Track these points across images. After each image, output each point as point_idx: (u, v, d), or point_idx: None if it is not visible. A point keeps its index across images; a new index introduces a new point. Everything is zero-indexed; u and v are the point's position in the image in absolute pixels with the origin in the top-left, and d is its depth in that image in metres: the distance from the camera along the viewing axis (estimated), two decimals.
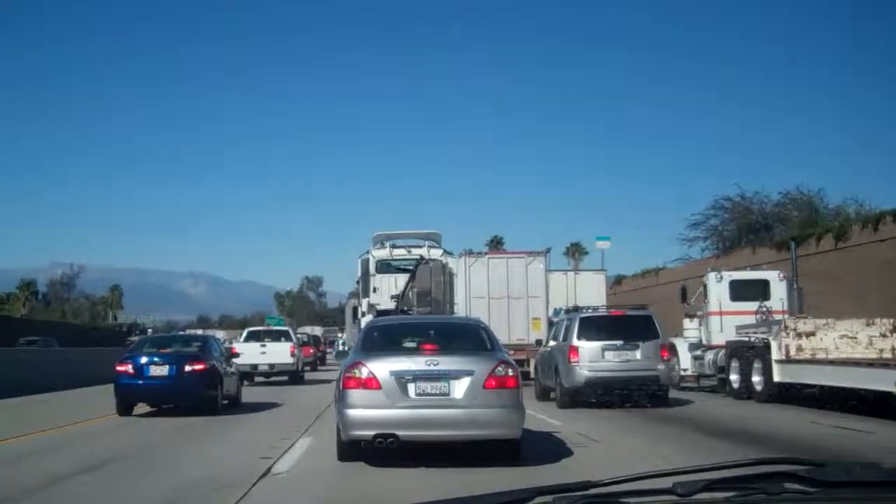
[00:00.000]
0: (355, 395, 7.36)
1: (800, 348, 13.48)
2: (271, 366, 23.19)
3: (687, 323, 18.42)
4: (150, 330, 50.48)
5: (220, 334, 52.33)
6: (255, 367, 22.82)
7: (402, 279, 21.29)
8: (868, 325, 13.61)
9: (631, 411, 13.39)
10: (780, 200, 29.42)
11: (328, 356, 37.27)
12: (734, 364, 15.57)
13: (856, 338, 13.41)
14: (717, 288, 17.19)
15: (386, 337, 8.41)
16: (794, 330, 13.64)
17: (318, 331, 53.47)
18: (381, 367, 7.38)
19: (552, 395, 14.73)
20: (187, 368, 13.40)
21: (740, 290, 17.11)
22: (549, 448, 8.82)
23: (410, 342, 8.22)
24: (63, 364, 22.47)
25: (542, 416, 11.84)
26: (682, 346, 18.47)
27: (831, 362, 12.78)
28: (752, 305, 16.58)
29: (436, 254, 21.90)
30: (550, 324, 18.00)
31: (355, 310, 22.98)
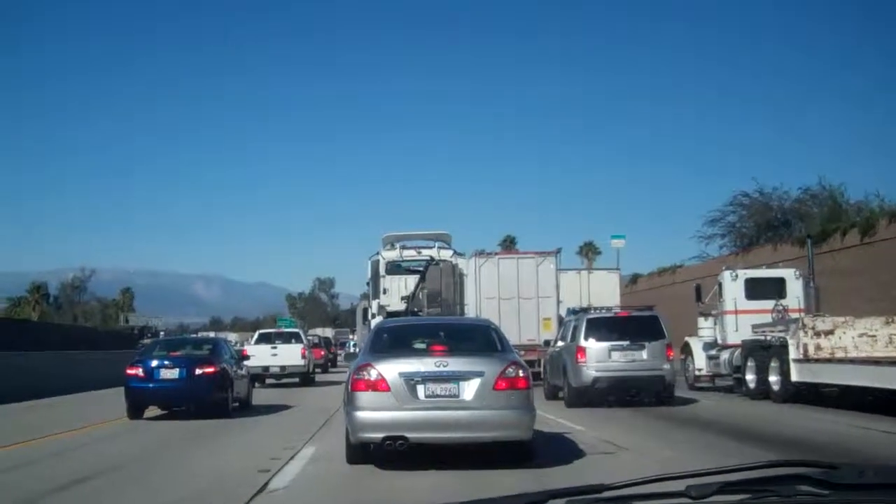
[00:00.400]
0: (364, 397, 7.29)
1: (818, 347, 13.23)
2: (282, 368, 23.32)
3: (702, 322, 18.19)
4: (161, 333, 50.75)
5: (232, 336, 52.70)
6: (266, 368, 22.97)
7: (413, 280, 21.24)
8: (888, 322, 13.34)
9: (643, 411, 13.33)
10: (800, 196, 28.72)
11: (339, 358, 37.28)
12: (750, 363, 15.35)
13: (875, 336, 13.15)
14: (733, 286, 16.96)
15: (395, 338, 8.34)
16: (813, 328, 13.40)
17: (329, 332, 53.58)
18: (390, 369, 7.31)
19: (560, 394, 15.08)
20: (198, 371, 13.40)
21: (756, 289, 16.88)
22: (561, 449, 8.72)
23: (419, 343, 8.16)
24: (69, 368, 22.54)
25: (551, 417, 11.77)
26: (696, 346, 18.28)
27: (851, 361, 12.54)
28: (768, 304, 16.34)
29: (446, 255, 21.83)
30: (563, 323, 17.92)
31: (365, 311, 22.94)
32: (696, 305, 18.51)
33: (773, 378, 14.32)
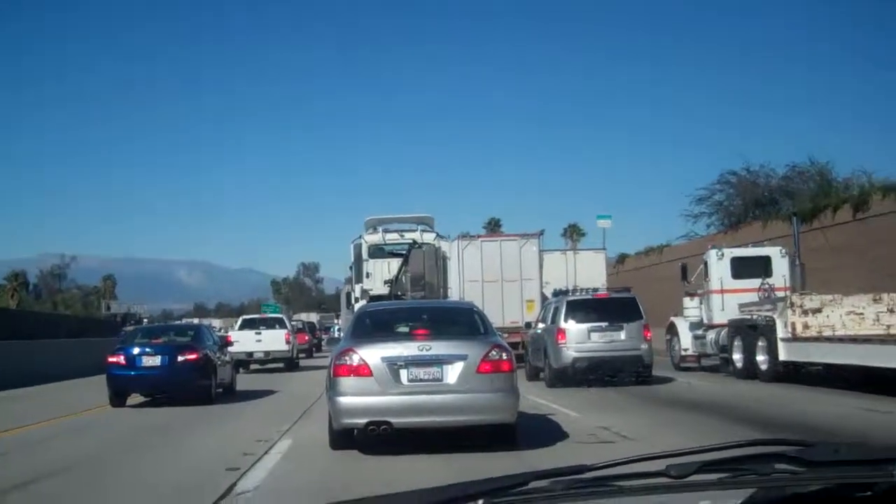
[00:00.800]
0: (346, 382, 7.24)
1: (806, 325, 13.11)
2: (266, 353, 23.34)
3: (687, 302, 18.07)
4: (145, 320, 50.31)
5: (216, 323, 52.35)
6: (250, 354, 23.02)
7: (396, 264, 21.15)
8: (875, 300, 13.22)
9: (624, 391, 13.45)
10: (787, 173, 28.47)
11: (324, 343, 37.22)
12: (737, 343, 15.25)
13: (862, 314, 13.02)
14: (719, 265, 16.83)
15: (377, 323, 8.29)
16: (801, 307, 13.23)
17: (314, 317, 53.37)
18: (373, 354, 7.25)
19: (542, 375, 15.39)
20: (180, 358, 13.33)
21: (742, 268, 16.74)
22: (544, 431, 8.73)
23: (402, 327, 8.09)
24: (51, 356, 22.25)
25: (533, 397, 11.80)
26: (682, 326, 18.18)
27: (840, 340, 12.41)
28: (754, 283, 16.24)
29: (429, 238, 21.74)
30: (544, 306, 17.98)
31: (349, 296, 22.82)
32: (682, 284, 18.42)
33: (761, 357, 14.22)
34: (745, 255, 17.32)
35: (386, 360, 7.22)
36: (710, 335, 16.91)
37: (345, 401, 7.23)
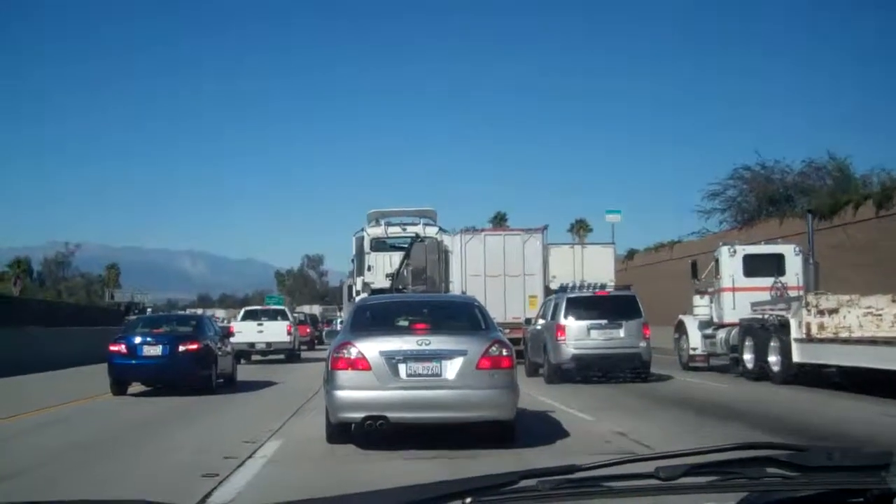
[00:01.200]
0: (344, 376, 7.16)
1: (822, 326, 12.59)
2: (268, 344, 23.51)
3: (697, 300, 17.55)
4: (149, 309, 50.39)
5: (219, 313, 52.43)
6: (252, 345, 23.20)
7: (397, 257, 21.10)
8: (894, 301, 12.71)
9: (623, 389, 13.37)
10: (803, 169, 27.58)
11: (323, 335, 37.18)
12: (748, 343, 14.74)
13: (881, 315, 12.55)
14: (731, 263, 16.35)
15: (376, 316, 8.21)
16: (816, 307, 12.73)
17: (316, 310, 53.48)
18: (371, 348, 7.18)
19: (541, 371, 15.41)
20: (181, 348, 13.36)
21: (754, 265, 16.26)
22: (542, 428, 8.67)
23: (401, 321, 8.01)
24: (53, 343, 22.26)
25: (532, 393, 11.69)
26: (691, 324, 17.72)
27: (857, 341, 11.95)
28: (767, 281, 15.76)
29: (431, 231, 21.66)
30: (544, 302, 17.92)
31: (350, 288, 22.81)
32: (692, 282, 17.89)
33: (773, 358, 13.71)
34: (758, 253, 16.84)
35: (384, 354, 7.15)
36: (721, 334, 16.48)
37: (342, 395, 7.17)
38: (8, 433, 9.14)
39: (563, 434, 8.34)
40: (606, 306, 15.08)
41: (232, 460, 6.91)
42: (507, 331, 12.97)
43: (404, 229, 21.97)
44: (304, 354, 25.76)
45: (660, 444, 7.23)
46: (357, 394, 7.13)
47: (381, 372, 7.11)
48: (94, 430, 9.40)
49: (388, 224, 22.48)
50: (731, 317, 16.07)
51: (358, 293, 20.55)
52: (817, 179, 27.06)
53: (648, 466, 1.53)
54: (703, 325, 17.36)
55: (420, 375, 7.16)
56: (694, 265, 17.99)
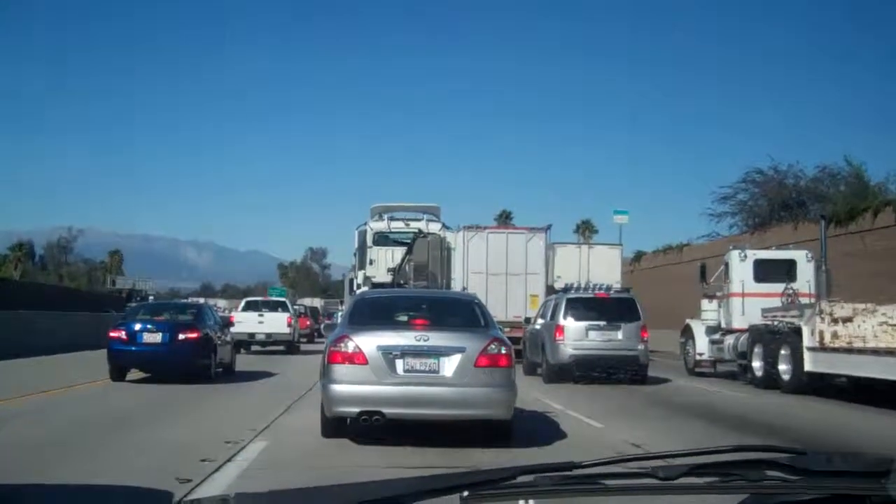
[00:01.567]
0: (341, 369, 7.11)
1: (835, 335, 12.23)
2: (268, 335, 23.64)
3: (705, 304, 17.20)
4: (151, 297, 50.49)
5: (221, 303, 52.49)
6: (252, 335, 23.33)
7: (400, 252, 21.08)
8: None
9: (623, 391, 13.31)
10: (817, 175, 27.05)
11: (322, 328, 37.18)
12: (758, 350, 14.39)
13: None
14: (740, 267, 15.98)
15: (375, 310, 8.14)
16: (830, 315, 12.37)
17: (317, 303, 53.58)
18: (369, 342, 7.12)
19: (539, 370, 15.46)
20: (181, 336, 13.38)
21: (765, 271, 15.92)
22: (539, 428, 8.62)
23: (400, 316, 7.96)
24: (51, 327, 22.18)
25: (530, 393, 11.61)
26: (698, 329, 17.38)
27: (873, 352, 11.56)
28: (777, 287, 15.43)
29: (434, 228, 21.65)
30: (543, 302, 17.86)
31: (352, 282, 22.82)
32: (700, 285, 17.54)
33: (783, 367, 13.37)
34: (769, 258, 16.51)
35: (382, 348, 7.09)
36: (728, 340, 16.14)
37: (338, 388, 7.11)
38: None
39: (560, 434, 8.28)
40: (606, 308, 15.11)
41: (209, 464, 6.19)
42: (508, 330, 12.92)
43: (407, 225, 21.96)
44: (303, 347, 25.80)
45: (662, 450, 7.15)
46: (353, 388, 7.07)
47: (377, 367, 7.06)
48: (65, 422, 8.67)
49: (392, 219, 22.49)
50: (739, 322, 15.78)
51: (359, 287, 20.56)
52: (831, 185, 26.60)
53: (647, 466, 1.53)
54: (711, 330, 17.06)
55: (417, 371, 7.11)
56: (703, 268, 17.71)
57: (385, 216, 22.64)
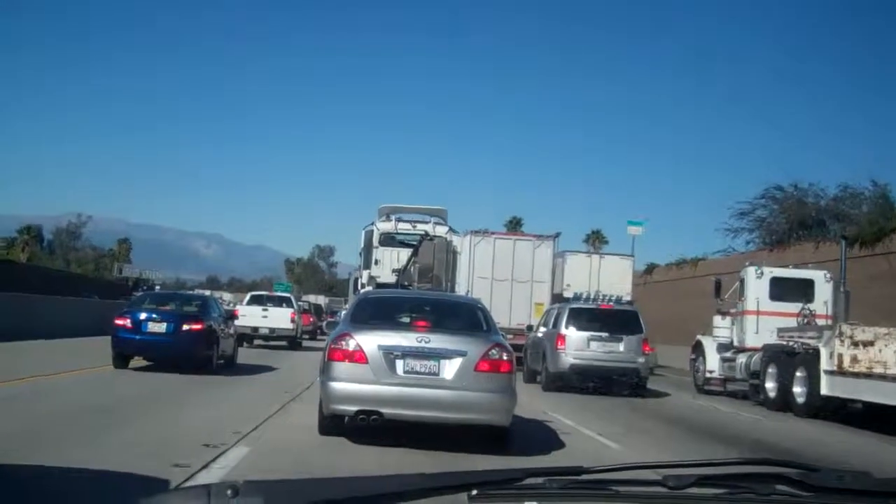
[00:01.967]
0: (340, 367, 7.11)
1: (855, 359, 11.78)
2: (271, 330, 23.75)
3: (718, 320, 16.72)
4: (157, 287, 50.69)
5: (226, 296, 52.67)
6: (255, 329, 23.44)
7: (405, 254, 21.07)
8: None
9: (622, 404, 13.24)
10: (839, 194, 26.48)
11: (324, 326, 37.28)
12: (771, 370, 13.97)
13: None
14: (756, 284, 15.59)
15: (377, 310, 8.16)
16: (850, 338, 11.91)
17: (321, 300, 53.69)
18: (369, 341, 7.12)
19: (538, 378, 15.53)
20: (185, 327, 13.47)
21: (781, 289, 15.51)
22: (538, 436, 8.60)
23: (403, 317, 7.96)
24: (54, 311, 22.21)
25: (529, 401, 11.46)
26: (710, 346, 16.95)
27: (894, 378, 11.14)
28: (793, 307, 15.05)
29: (441, 231, 21.62)
30: (546, 311, 17.82)
31: (356, 281, 22.84)
32: (713, 301, 17.17)
33: (798, 389, 12.96)
34: (787, 276, 16.04)
35: (383, 348, 7.09)
36: (741, 359, 15.66)
37: (337, 386, 7.11)
38: None
39: (559, 444, 8.22)
40: (608, 319, 15.15)
41: (182, 470, 5.65)
42: (511, 337, 12.91)
43: (414, 226, 21.94)
44: (305, 343, 25.87)
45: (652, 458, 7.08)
46: (352, 386, 7.07)
47: (377, 366, 7.05)
48: (53, 408, 8.36)
49: (399, 220, 22.47)
50: (752, 341, 15.39)
51: (363, 286, 20.56)
52: (853, 205, 26.10)
53: (657, 474, 1.52)
54: (723, 347, 16.64)
55: (417, 373, 7.09)
56: (718, 284, 17.31)
57: (392, 217, 22.63)
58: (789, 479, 1.55)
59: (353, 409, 7.10)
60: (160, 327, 13.51)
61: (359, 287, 21.29)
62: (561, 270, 20.30)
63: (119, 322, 13.55)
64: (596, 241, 52.22)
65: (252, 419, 8.27)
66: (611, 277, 20.07)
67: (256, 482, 1.35)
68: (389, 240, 21.99)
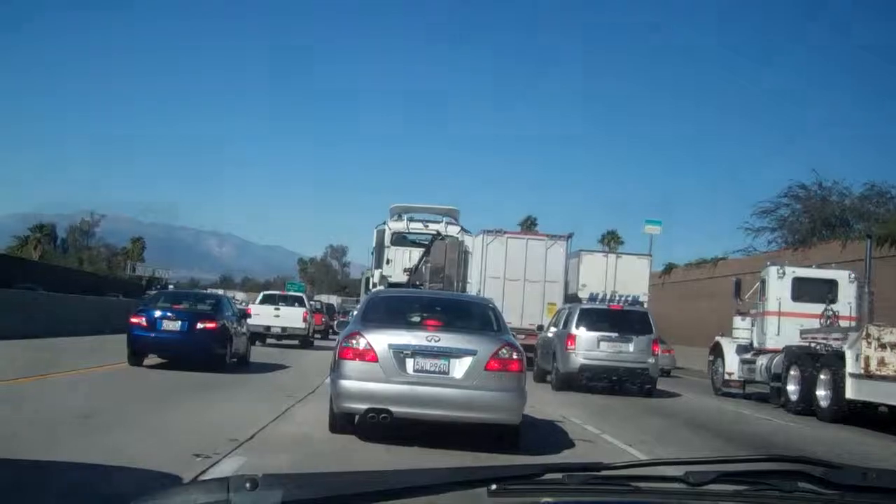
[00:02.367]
0: (351, 366, 7.15)
1: (882, 362, 11.44)
2: (283, 329, 23.90)
3: (738, 321, 16.46)
4: (171, 285, 51.06)
5: (239, 296, 52.95)
6: (268, 328, 23.59)
7: (417, 253, 21.08)
8: None
9: (634, 404, 13.19)
10: (864, 193, 25.96)
11: (335, 325, 37.42)
12: (794, 373, 13.62)
13: None
14: (778, 284, 15.24)
15: (388, 309, 8.18)
16: (878, 340, 11.59)
17: (334, 300, 53.88)
18: (380, 340, 7.15)
19: (549, 378, 15.61)
20: (199, 326, 13.60)
21: (804, 290, 15.18)
22: (549, 436, 8.60)
23: (413, 316, 7.97)
24: (62, 310, 22.27)
25: (539, 401, 11.43)
26: (729, 347, 16.62)
27: None
28: (816, 308, 14.62)
29: (453, 231, 21.60)
30: (557, 312, 17.81)
31: (368, 280, 22.90)
32: (734, 302, 16.88)
33: (821, 392, 12.65)
34: (809, 277, 15.67)
35: (393, 347, 7.12)
36: (761, 361, 15.35)
37: (347, 384, 7.14)
38: None
39: (569, 444, 8.22)
40: (618, 320, 15.18)
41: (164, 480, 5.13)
42: (522, 337, 12.91)
43: (426, 226, 21.93)
44: (316, 342, 26.00)
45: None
46: (362, 385, 7.10)
47: (387, 365, 7.09)
48: (56, 407, 8.20)
49: (411, 219, 22.47)
50: (773, 342, 15.07)
51: (375, 285, 20.59)
52: (879, 205, 25.64)
53: (677, 470, 1.51)
54: (742, 348, 16.32)
55: (427, 372, 7.12)
56: (738, 284, 17.07)
57: (404, 216, 22.63)
58: (812, 476, 1.53)
59: (364, 407, 7.13)
60: (175, 325, 13.64)
61: (370, 286, 21.34)
62: (576, 270, 20.15)
63: (134, 320, 13.69)
64: (611, 241, 51.85)
65: (273, 411, 8.61)
66: (627, 277, 19.80)
67: (275, 475, 1.35)
68: (401, 239, 22.00)
